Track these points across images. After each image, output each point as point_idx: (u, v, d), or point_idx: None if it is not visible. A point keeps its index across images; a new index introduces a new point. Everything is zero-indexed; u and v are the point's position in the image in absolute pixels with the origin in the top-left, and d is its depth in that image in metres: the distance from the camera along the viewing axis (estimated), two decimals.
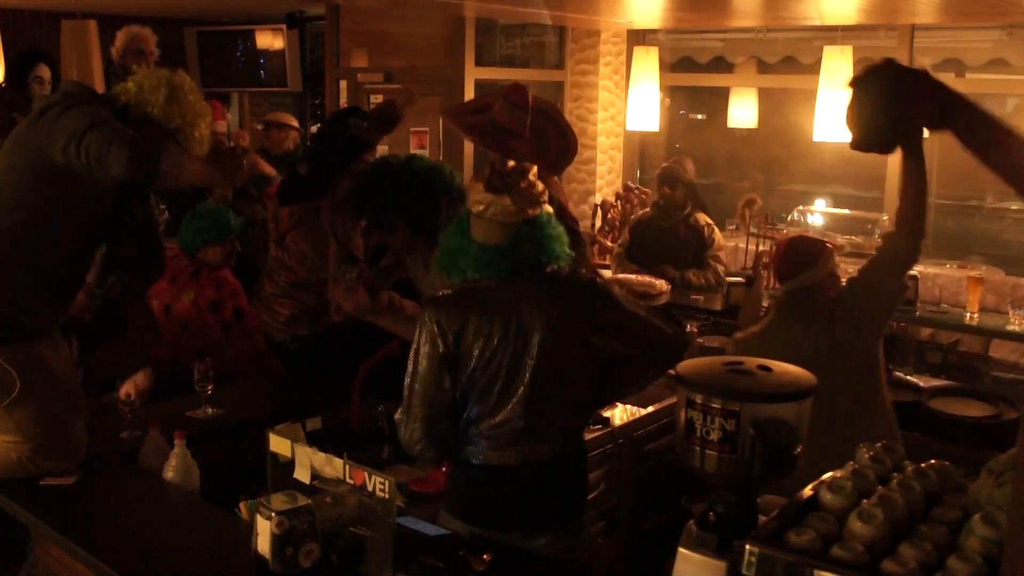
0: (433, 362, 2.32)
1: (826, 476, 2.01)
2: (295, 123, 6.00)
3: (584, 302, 2.44)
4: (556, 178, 3.96)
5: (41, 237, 2.53)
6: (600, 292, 2.50)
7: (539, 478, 2.39)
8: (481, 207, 2.32)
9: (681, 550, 2.02)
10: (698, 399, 2.03)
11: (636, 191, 6.05)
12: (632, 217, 5.61)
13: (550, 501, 2.42)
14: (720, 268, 5.04)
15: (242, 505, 2.35)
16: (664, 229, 5.20)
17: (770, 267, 3.31)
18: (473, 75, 5.93)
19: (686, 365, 2.19)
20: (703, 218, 5.16)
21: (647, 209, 5.48)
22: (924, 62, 5.97)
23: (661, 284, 4.75)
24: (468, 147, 5.77)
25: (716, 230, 5.16)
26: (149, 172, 2.47)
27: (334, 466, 2.04)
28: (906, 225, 2.93)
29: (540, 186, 2.38)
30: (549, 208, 2.42)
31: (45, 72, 4.79)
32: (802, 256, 3.16)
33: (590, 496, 3.37)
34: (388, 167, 3.11)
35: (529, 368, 2.33)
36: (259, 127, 6.23)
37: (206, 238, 3.84)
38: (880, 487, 1.96)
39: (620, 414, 3.50)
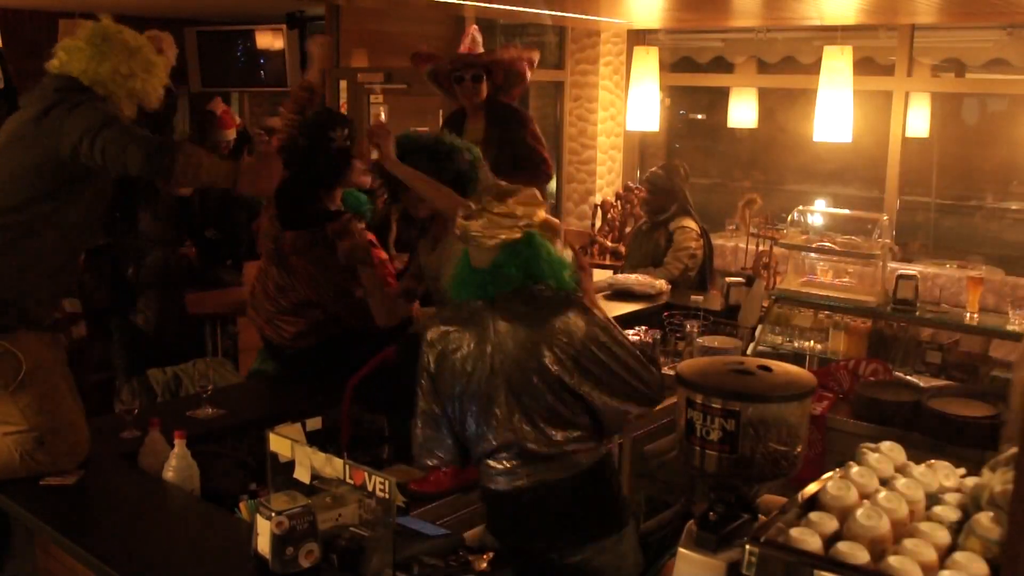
0: (423, 377, 2.42)
1: (826, 476, 2.01)
2: None
3: (559, 331, 2.28)
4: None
5: (46, 233, 2.54)
6: (595, 336, 2.30)
7: (552, 497, 2.30)
8: (458, 232, 2.34)
9: (681, 550, 2.03)
10: (698, 399, 2.04)
11: (636, 191, 6.05)
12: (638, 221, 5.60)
13: (566, 519, 2.33)
14: (676, 267, 4.91)
15: (242, 505, 2.34)
16: (646, 232, 5.17)
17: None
18: None
19: (686, 365, 2.19)
20: (683, 222, 5.00)
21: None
22: (924, 62, 5.98)
23: (661, 284, 4.75)
24: None
25: (688, 233, 4.97)
26: (163, 173, 2.55)
27: (334, 466, 2.03)
28: None
29: (520, 211, 2.31)
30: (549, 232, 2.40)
31: None
32: None
33: None
34: (417, 144, 3.19)
35: (502, 389, 2.28)
36: (260, 132, 6.18)
37: None
38: (880, 487, 1.96)
39: None
